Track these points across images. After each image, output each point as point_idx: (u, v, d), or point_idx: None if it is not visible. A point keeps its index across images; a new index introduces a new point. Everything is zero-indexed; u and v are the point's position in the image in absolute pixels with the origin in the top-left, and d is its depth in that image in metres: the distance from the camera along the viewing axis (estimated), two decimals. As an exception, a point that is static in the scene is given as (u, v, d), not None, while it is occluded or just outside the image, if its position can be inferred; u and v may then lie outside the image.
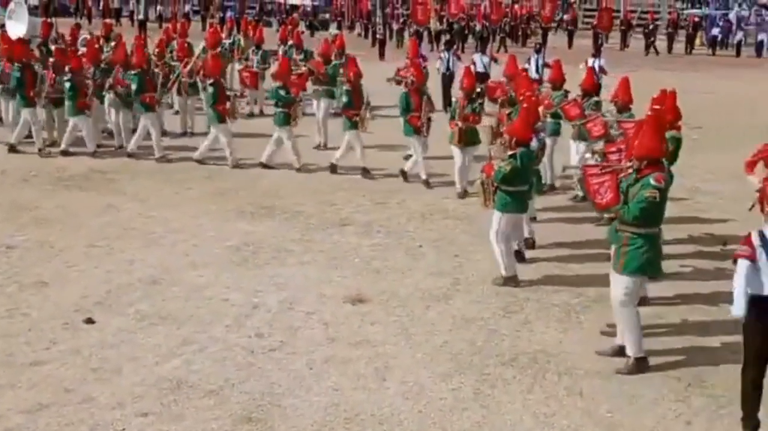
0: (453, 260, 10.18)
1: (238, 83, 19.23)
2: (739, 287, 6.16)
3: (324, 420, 6.57)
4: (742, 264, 6.14)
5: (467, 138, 12.78)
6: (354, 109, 13.90)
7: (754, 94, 24.97)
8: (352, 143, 14.09)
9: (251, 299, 8.85)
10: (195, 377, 7.18)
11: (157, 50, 17.66)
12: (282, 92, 14.34)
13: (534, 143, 9.82)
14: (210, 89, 14.63)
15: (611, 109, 11.78)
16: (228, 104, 14.60)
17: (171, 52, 18.73)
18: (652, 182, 7.27)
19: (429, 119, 13.46)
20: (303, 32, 32.52)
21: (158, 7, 49.07)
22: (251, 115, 19.34)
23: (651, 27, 38.85)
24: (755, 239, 6.12)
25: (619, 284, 7.44)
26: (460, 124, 12.70)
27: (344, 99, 14.09)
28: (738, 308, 6.12)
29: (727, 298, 6.87)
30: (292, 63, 18.71)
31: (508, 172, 9.22)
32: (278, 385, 7.07)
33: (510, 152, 9.47)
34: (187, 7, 50.32)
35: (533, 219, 11.17)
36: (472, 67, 15.05)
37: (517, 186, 9.37)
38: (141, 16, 43.47)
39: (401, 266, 9.96)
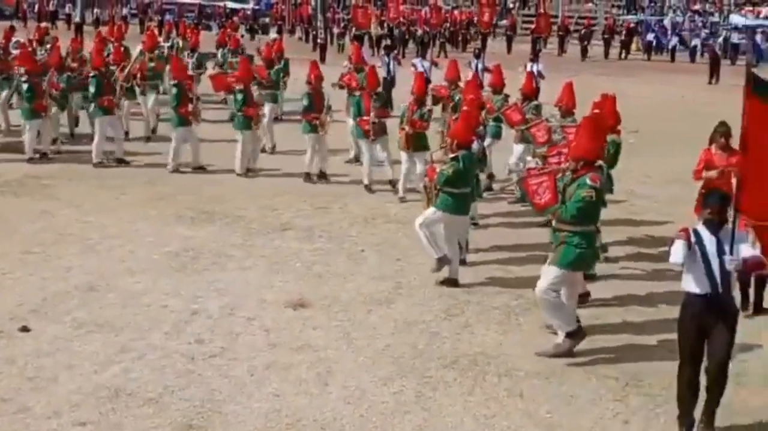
0: (395, 264, 10.20)
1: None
2: (674, 254, 6.16)
3: (265, 426, 6.52)
4: (678, 242, 6.18)
5: (415, 143, 12.80)
6: (314, 112, 13.80)
7: (689, 99, 25.54)
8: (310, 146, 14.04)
9: (191, 306, 8.75)
10: (134, 385, 7.06)
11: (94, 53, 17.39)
12: (240, 96, 14.21)
13: (475, 146, 9.92)
14: (173, 91, 14.50)
15: (555, 113, 11.92)
16: (191, 107, 14.46)
17: (108, 55, 18.44)
18: (588, 181, 7.49)
19: (376, 123, 13.39)
20: (243, 36, 32.37)
21: (95, 10, 48.28)
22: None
23: (583, 32, 39.49)
24: (691, 235, 6.24)
25: (548, 275, 7.66)
26: (407, 129, 12.75)
27: (304, 102, 13.94)
28: (676, 256, 6.13)
29: (665, 298, 7.05)
30: (228, 67, 18.65)
31: (450, 174, 9.30)
32: (219, 392, 6.99)
33: (452, 155, 9.56)
34: (125, 11, 49.59)
35: (475, 225, 11.27)
36: (412, 70, 15.19)
37: (460, 188, 9.44)
38: (78, 19, 42.75)
39: (343, 270, 9.95)
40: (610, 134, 10.21)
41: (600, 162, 7.93)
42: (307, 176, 13.99)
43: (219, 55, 20.90)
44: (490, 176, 13.10)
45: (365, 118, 13.30)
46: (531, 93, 13.30)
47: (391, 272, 9.93)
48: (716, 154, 9.12)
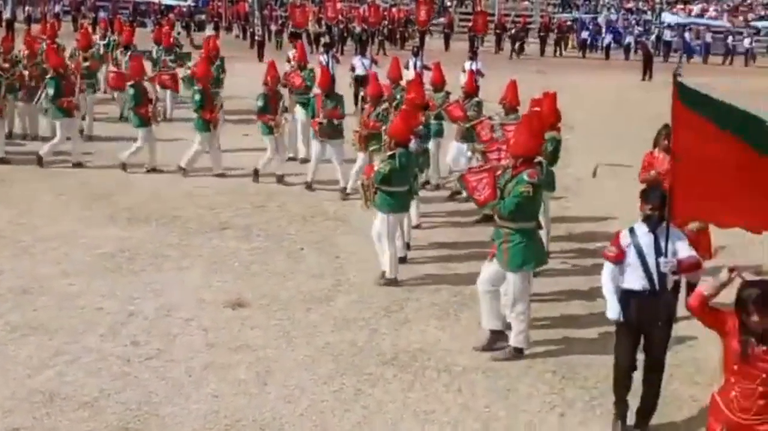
0: (334, 262, 10.20)
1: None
2: (607, 290, 6.39)
3: (204, 427, 6.47)
4: (607, 267, 6.40)
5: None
6: (269, 113, 13.66)
7: (623, 96, 26.00)
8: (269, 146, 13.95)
9: (126, 307, 8.63)
10: (68, 388, 6.94)
11: (26, 52, 17.02)
12: (198, 96, 14.03)
13: (413, 145, 9.96)
14: (131, 92, 14.29)
15: (500, 111, 12.01)
16: (150, 107, 14.26)
17: (41, 53, 18.03)
18: (526, 177, 7.56)
19: (323, 124, 13.32)
20: (179, 33, 31.99)
21: (27, 8, 47.18)
22: (121, 117, 18.81)
23: (514, 30, 39.93)
24: (623, 239, 6.33)
25: (513, 286, 7.65)
26: (360, 129, 12.75)
27: (259, 103, 13.76)
28: (613, 311, 6.32)
29: (602, 293, 7.13)
30: (162, 64, 18.39)
31: (387, 172, 9.33)
32: (156, 394, 6.91)
33: (389, 153, 9.59)
34: (57, 8, 48.56)
35: (417, 227, 11.34)
36: (351, 72, 15.14)
37: (397, 187, 9.47)
38: (8, 16, 41.76)
39: (282, 269, 9.91)
40: (551, 131, 10.35)
41: (539, 159, 8.03)
42: (280, 179, 13.84)
43: (154, 53, 20.56)
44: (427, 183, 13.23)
45: (317, 119, 13.23)
46: (472, 91, 13.41)
47: (331, 269, 9.92)
48: (658, 157, 9.26)
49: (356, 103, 18.84)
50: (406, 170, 9.62)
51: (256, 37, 35.93)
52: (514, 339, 7.75)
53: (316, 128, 13.22)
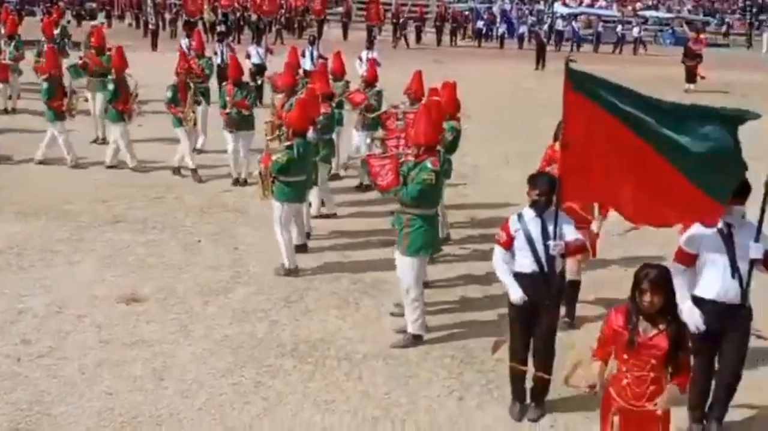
0: (233, 253, 10.07)
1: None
2: (501, 273, 6.51)
3: (98, 425, 6.30)
4: (498, 251, 6.53)
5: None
6: (178, 105, 13.14)
7: (518, 85, 26.47)
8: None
9: (16, 305, 8.33)
10: (-46, 391, 6.67)
11: None
12: (46, 85, 13.57)
13: (311, 135, 9.91)
14: (44, 85, 13.70)
15: (405, 100, 12.03)
16: (65, 101, 13.70)
17: None
18: (429, 165, 7.67)
19: (229, 114, 13.09)
20: (69, 22, 31.00)
21: None
22: (5, 111, 18.14)
23: (401, 20, 40.17)
24: (512, 225, 6.46)
25: (406, 266, 7.71)
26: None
27: (168, 95, 13.24)
28: (515, 293, 6.41)
29: (498, 278, 7.25)
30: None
31: (284, 162, 9.26)
32: (48, 393, 6.70)
33: (287, 143, 9.53)
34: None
35: (333, 216, 11.37)
36: (248, 61, 14.95)
37: (295, 176, 9.42)
38: None
39: (178, 261, 9.73)
40: (450, 120, 10.46)
41: (438, 147, 8.13)
42: (194, 173, 13.53)
43: (42, 43, 19.81)
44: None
45: (225, 110, 13.00)
46: (373, 80, 13.46)
47: (229, 261, 9.80)
48: (558, 150, 9.41)
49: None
50: (305, 159, 9.57)
51: (150, 26, 35.09)
52: (411, 326, 7.82)
53: (224, 118, 13.01)
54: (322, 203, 11.56)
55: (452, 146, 10.55)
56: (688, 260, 6.05)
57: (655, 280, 4.69)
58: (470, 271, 9.68)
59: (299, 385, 6.98)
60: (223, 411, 6.53)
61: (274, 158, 9.46)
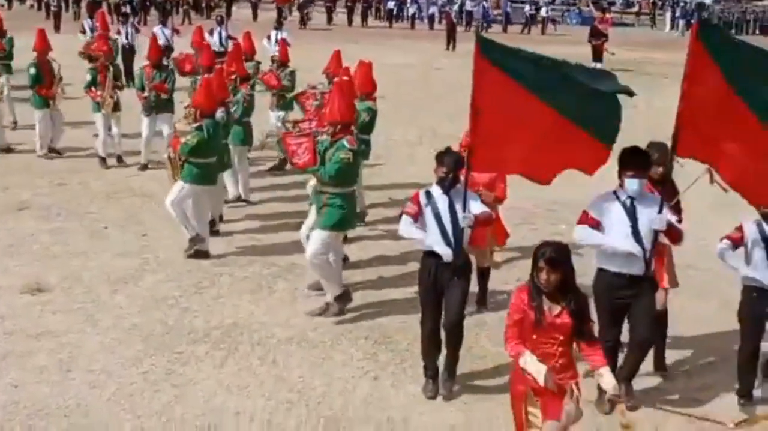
0: (141, 240, 9.85)
1: None
2: (411, 232, 6.51)
3: (3, 419, 6.07)
4: (405, 219, 6.52)
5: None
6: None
7: (429, 65, 26.56)
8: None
9: None
10: None
11: None
12: (33, 71, 12.98)
13: (220, 115, 9.75)
14: (32, 71, 13.11)
15: (324, 81, 11.90)
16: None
17: None
18: (346, 144, 7.73)
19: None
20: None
21: None
22: None
23: (302, 1, 39.86)
24: (422, 199, 6.50)
25: (316, 239, 7.77)
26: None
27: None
28: (445, 253, 6.39)
29: (415, 257, 7.28)
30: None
31: (194, 144, 9.11)
32: (-52, 389, 6.45)
33: (196, 124, 9.35)
34: None
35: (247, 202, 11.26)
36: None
37: (205, 158, 9.26)
38: None
39: (84, 249, 9.46)
40: (366, 100, 10.44)
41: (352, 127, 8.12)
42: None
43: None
44: None
45: (143, 93, 12.66)
46: (286, 60, 13.36)
47: (137, 248, 9.58)
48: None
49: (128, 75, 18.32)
50: (215, 141, 9.41)
51: (52, 8, 33.98)
52: (329, 294, 7.95)
53: (142, 102, 12.69)
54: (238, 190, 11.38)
55: (369, 127, 10.53)
56: (591, 222, 6.16)
57: (551, 258, 4.70)
58: (385, 251, 9.68)
59: (212, 371, 6.86)
60: (133, 400, 6.38)
61: (183, 140, 9.29)
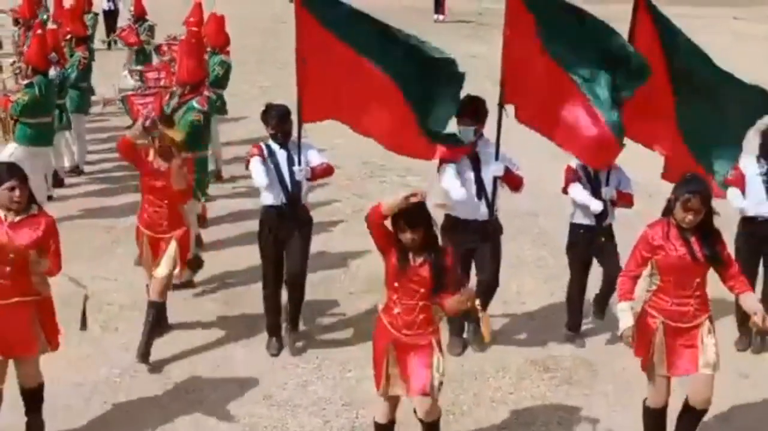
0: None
1: None
2: (260, 179, 6.38)
3: None
4: (255, 160, 6.38)
5: None
6: None
7: (278, 18, 26.03)
8: None
9: None
10: None
11: None
12: None
13: (53, 73, 9.32)
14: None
15: (184, 32, 11.46)
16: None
17: None
18: (195, 105, 7.51)
19: None
20: None
21: None
22: None
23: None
24: (264, 150, 6.42)
25: None
26: None
27: None
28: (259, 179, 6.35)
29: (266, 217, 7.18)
30: None
31: (27, 102, 8.70)
32: None
33: (26, 81, 8.90)
34: None
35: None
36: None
37: (39, 118, 8.86)
38: None
39: None
40: (219, 54, 10.18)
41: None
42: None
43: None
44: None
45: None
46: (143, 14, 12.92)
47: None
48: None
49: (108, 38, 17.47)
50: (48, 99, 8.98)
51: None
52: None
53: None
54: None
55: (223, 81, 10.30)
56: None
57: (409, 218, 4.69)
58: (239, 207, 9.54)
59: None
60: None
61: (14, 98, 8.82)
